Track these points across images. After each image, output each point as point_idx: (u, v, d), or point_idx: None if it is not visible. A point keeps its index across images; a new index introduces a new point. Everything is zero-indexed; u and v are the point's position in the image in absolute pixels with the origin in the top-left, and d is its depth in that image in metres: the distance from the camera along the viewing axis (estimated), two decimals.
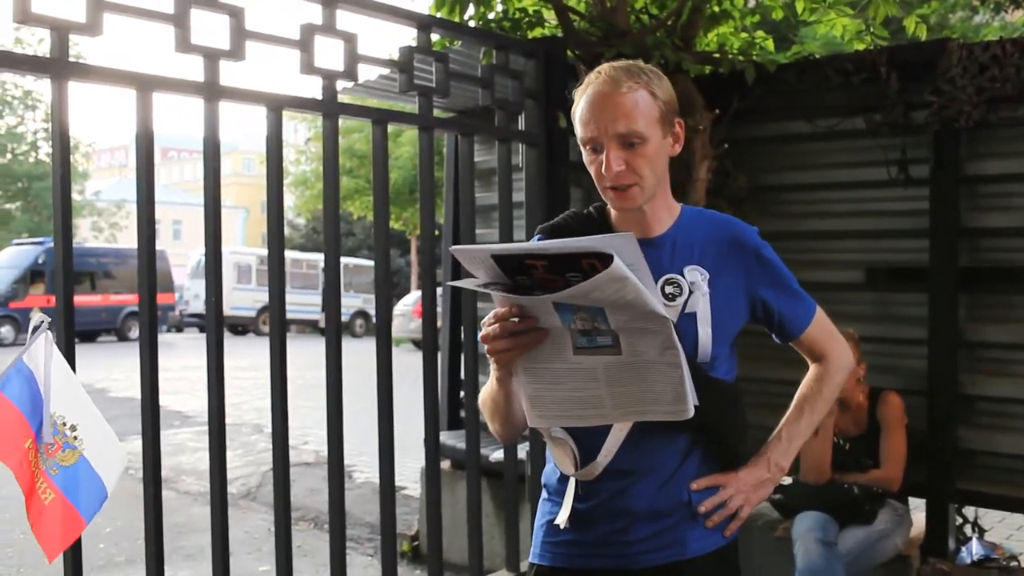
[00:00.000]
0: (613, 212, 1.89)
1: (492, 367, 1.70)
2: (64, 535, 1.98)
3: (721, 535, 1.85)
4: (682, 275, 1.80)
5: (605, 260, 1.41)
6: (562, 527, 1.84)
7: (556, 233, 1.88)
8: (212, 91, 2.95)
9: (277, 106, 3.15)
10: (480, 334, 1.61)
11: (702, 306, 1.79)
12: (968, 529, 4.11)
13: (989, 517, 4.44)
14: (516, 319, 1.56)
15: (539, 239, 1.92)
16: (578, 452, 1.80)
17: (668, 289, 1.78)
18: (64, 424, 1.97)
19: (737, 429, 1.89)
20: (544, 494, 1.96)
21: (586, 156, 1.80)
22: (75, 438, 1.98)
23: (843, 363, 1.99)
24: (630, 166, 1.74)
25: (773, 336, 1.98)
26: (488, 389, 1.80)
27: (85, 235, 34.44)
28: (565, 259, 1.45)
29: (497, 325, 1.58)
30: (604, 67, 1.79)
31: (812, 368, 2.00)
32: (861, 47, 4.71)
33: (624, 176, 1.74)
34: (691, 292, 1.79)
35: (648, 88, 1.76)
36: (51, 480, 1.94)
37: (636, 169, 1.74)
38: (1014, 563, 3.91)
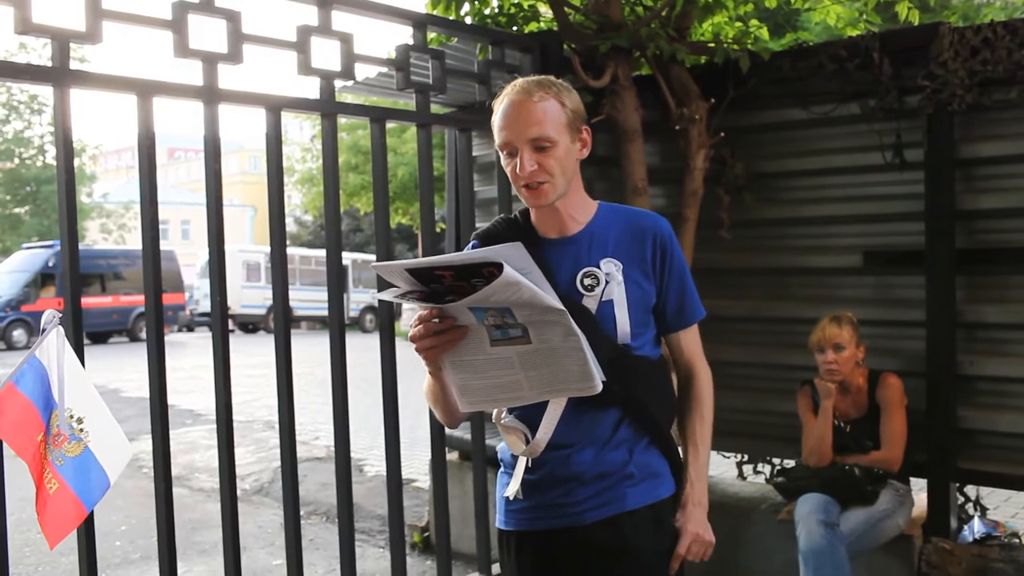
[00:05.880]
0: (534, 214, 2.10)
1: (423, 363, 1.87)
2: (65, 523, 2.05)
3: (655, 491, 2.07)
4: (599, 267, 2.02)
5: (500, 267, 1.60)
6: (511, 498, 2.08)
7: (487, 237, 2.12)
8: (211, 94, 3.01)
9: (275, 107, 3.20)
10: (409, 335, 1.79)
11: (618, 294, 2.01)
12: (970, 508, 4.15)
13: (995, 496, 4.47)
14: (437, 320, 1.75)
15: (473, 244, 2.16)
16: (529, 433, 2.02)
17: (587, 281, 2.01)
18: (71, 416, 2.04)
19: (662, 399, 2.11)
20: (502, 468, 2.19)
21: (503, 160, 2.00)
22: (81, 430, 2.05)
23: (707, 383, 2.18)
24: (542, 166, 1.95)
25: (657, 326, 2.14)
26: (427, 382, 1.98)
27: (94, 237, 34.52)
28: (468, 268, 1.65)
29: (421, 327, 1.77)
30: (519, 81, 2.01)
31: (685, 399, 2.18)
32: (856, 34, 4.73)
33: (536, 175, 1.95)
34: (607, 282, 2.01)
35: (558, 98, 1.97)
36: (56, 470, 2.01)
37: (547, 169, 1.95)
38: (1015, 540, 3.95)
